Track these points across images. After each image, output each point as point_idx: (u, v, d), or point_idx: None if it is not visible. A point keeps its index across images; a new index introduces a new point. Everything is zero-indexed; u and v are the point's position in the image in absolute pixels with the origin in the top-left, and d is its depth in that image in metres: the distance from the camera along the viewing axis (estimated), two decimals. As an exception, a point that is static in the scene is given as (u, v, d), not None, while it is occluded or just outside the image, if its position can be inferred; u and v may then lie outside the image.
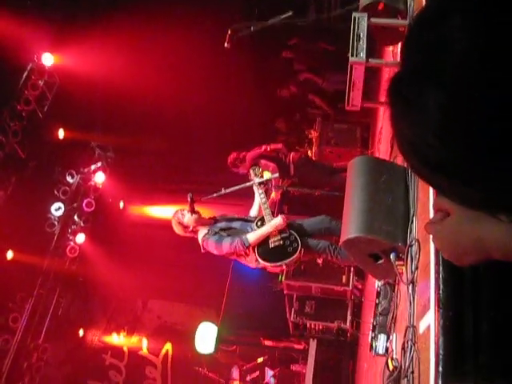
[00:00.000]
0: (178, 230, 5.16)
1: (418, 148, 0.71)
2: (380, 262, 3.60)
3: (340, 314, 6.77)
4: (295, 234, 4.81)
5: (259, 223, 4.90)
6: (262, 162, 6.94)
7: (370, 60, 4.88)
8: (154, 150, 11.03)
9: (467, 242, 0.84)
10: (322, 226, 5.16)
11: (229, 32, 6.18)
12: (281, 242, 4.77)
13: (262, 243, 4.80)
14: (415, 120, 0.69)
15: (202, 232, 5.01)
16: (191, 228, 5.05)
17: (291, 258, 4.72)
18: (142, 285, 11.11)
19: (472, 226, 0.82)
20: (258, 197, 5.11)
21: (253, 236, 4.79)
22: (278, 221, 4.79)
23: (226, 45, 6.22)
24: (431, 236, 0.93)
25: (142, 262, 10.62)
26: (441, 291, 2.28)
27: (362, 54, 4.79)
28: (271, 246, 4.78)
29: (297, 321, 6.91)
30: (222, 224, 5.11)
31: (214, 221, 5.18)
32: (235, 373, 9.51)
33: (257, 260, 4.82)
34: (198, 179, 10.15)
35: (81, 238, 10.83)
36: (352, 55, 4.82)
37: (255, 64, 10.97)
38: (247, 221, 5.14)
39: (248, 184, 5.22)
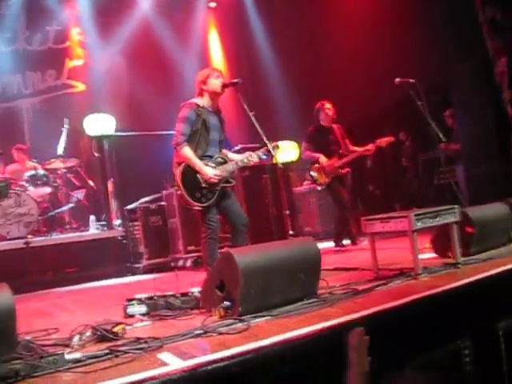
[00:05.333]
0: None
1: None
2: (218, 292, 3.48)
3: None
4: (213, 196, 5.00)
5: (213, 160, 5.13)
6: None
7: None
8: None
9: None
10: (237, 220, 5.17)
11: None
12: (202, 185, 4.97)
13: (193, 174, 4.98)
14: None
15: None
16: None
17: (190, 200, 4.95)
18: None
19: None
20: (245, 159, 5.25)
21: (190, 154, 4.96)
22: (208, 171, 4.96)
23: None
24: None
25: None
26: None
27: None
28: (196, 177, 4.98)
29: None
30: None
31: None
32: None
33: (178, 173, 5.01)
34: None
35: None
36: None
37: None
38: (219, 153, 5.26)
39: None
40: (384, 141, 7.26)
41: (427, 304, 3.24)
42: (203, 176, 4.96)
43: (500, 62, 7.69)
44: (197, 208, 5.00)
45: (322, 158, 7.37)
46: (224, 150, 5.37)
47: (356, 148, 7.51)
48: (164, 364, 2.47)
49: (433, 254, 4.94)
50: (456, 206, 4.38)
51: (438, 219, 4.21)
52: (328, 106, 7.55)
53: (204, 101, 5.21)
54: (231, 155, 5.39)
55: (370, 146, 7.28)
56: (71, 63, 11.33)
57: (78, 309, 5.16)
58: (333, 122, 7.63)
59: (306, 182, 10.75)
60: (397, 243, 6.36)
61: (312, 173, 7.46)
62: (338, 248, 7.46)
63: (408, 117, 9.54)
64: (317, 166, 7.42)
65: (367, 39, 9.89)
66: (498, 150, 8.09)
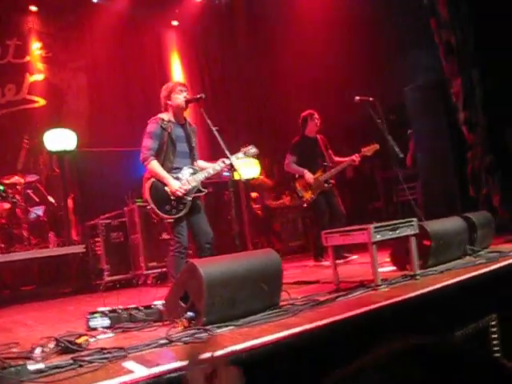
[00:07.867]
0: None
1: None
2: (182, 304, 3.50)
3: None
4: (183, 207, 5.06)
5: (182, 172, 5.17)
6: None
7: None
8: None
9: None
10: (202, 238, 5.19)
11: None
12: (171, 197, 5.02)
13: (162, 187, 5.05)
14: None
15: None
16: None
17: (160, 214, 5.01)
18: None
19: None
20: (217, 166, 5.24)
21: (157, 168, 5.04)
22: (174, 183, 5.02)
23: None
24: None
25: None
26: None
27: None
28: (165, 190, 5.04)
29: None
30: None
31: None
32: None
33: (147, 188, 5.08)
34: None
35: None
36: None
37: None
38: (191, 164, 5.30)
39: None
40: (369, 149, 7.04)
41: (386, 313, 3.33)
42: (170, 188, 5.00)
43: (455, 83, 7.92)
44: (168, 221, 5.03)
45: (308, 174, 7.13)
46: (199, 160, 5.41)
47: (340, 159, 7.31)
48: (129, 372, 2.48)
49: (392, 268, 5.06)
50: (414, 219, 4.52)
51: (397, 231, 4.33)
52: (316, 115, 7.31)
53: (170, 115, 5.27)
54: (203, 164, 5.42)
55: (355, 156, 7.06)
56: (31, 78, 11.19)
57: (38, 324, 5.09)
58: (317, 132, 7.42)
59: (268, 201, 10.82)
60: (358, 258, 6.49)
61: (297, 189, 7.24)
62: (318, 264, 7.09)
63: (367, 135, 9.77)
64: (302, 181, 7.19)
65: (327, 62, 10.09)
66: (454, 169, 8.31)
